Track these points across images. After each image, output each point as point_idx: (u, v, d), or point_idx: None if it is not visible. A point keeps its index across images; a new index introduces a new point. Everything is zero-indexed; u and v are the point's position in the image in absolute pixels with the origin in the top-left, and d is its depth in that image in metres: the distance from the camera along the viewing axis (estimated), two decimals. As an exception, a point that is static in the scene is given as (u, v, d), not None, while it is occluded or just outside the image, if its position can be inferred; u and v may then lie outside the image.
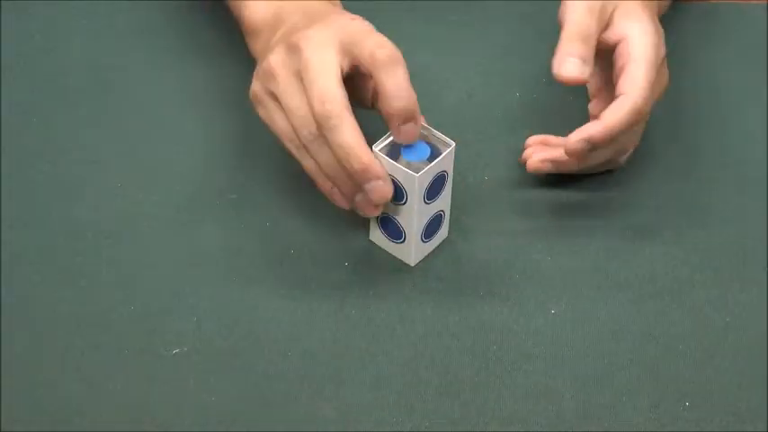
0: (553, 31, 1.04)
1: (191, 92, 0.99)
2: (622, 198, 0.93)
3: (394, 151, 0.84)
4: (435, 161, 0.83)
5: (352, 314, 0.86)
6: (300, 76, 0.83)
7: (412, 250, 0.87)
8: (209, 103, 0.97)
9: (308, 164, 0.85)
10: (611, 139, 0.87)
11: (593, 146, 0.87)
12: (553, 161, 0.90)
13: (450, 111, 0.98)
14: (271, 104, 0.85)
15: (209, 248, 0.88)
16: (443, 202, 0.87)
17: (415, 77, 1.00)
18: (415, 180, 0.82)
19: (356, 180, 0.83)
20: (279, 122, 0.85)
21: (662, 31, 0.90)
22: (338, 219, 0.90)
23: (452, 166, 0.85)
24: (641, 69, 0.87)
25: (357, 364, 0.83)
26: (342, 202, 0.86)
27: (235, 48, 0.98)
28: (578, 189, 0.91)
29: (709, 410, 0.82)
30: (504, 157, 0.93)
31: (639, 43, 0.88)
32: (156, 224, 0.90)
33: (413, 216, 0.85)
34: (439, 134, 0.85)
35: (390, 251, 0.89)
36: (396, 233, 0.87)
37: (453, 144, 0.84)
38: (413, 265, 0.88)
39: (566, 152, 0.88)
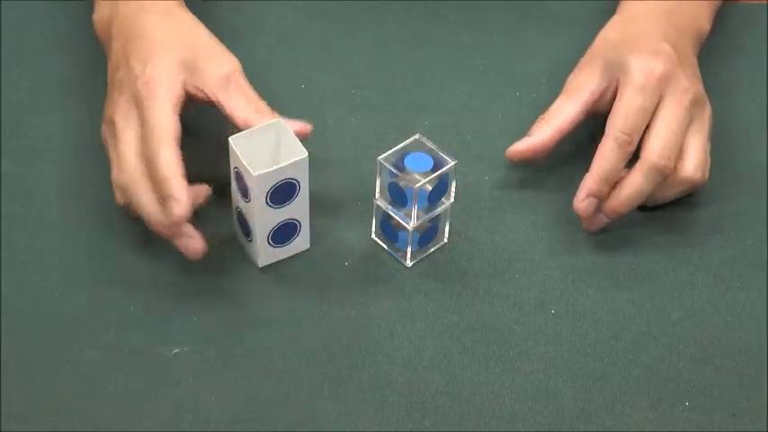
0: (553, 30, 1.04)
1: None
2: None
3: (399, 161, 0.84)
4: (278, 166, 0.82)
5: (352, 314, 0.86)
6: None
7: (258, 251, 0.86)
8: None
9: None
10: (608, 182, 0.87)
11: (597, 196, 0.87)
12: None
13: (451, 111, 0.98)
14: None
15: (209, 249, 0.88)
16: (298, 211, 0.85)
17: (415, 77, 1.00)
18: (254, 179, 0.81)
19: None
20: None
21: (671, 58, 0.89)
22: (338, 219, 0.90)
23: (306, 178, 0.84)
24: (618, 105, 0.88)
25: (357, 364, 0.83)
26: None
27: (232, 47, 0.98)
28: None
29: (709, 410, 0.82)
30: (503, 156, 0.93)
31: (623, 86, 0.88)
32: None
33: (255, 216, 0.84)
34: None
35: (245, 249, 0.88)
36: (246, 230, 0.87)
37: (306, 154, 0.82)
38: (260, 266, 0.87)
39: (578, 214, 0.88)
